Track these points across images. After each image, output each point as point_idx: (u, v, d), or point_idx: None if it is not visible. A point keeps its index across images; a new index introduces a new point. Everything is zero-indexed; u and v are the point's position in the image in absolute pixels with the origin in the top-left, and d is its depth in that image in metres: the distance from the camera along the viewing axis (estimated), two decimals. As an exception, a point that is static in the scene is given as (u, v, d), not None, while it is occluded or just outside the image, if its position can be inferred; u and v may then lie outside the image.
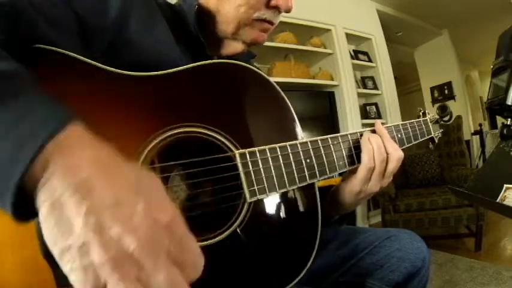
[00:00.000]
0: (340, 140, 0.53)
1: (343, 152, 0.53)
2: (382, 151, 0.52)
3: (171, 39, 0.51)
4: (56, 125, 0.23)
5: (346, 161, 0.53)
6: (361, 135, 0.55)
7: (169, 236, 0.23)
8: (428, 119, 0.70)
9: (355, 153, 0.54)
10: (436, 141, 0.71)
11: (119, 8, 0.44)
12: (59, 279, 0.31)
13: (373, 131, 0.56)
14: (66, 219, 0.21)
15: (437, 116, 0.71)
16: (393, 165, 0.53)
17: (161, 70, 0.42)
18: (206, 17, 0.55)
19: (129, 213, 0.22)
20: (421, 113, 0.70)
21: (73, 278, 0.21)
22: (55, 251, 0.21)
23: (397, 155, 0.53)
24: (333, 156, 0.51)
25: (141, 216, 0.22)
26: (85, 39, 0.41)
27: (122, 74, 0.38)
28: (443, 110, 0.71)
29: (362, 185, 0.54)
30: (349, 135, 0.54)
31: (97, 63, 0.37)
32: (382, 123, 0.58)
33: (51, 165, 0.22)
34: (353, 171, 0.55)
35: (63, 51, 0.34)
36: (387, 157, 0.53)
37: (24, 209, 0.23)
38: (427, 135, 0.68)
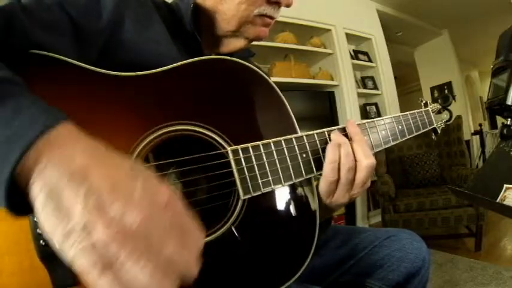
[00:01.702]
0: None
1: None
2: (349, 159, 0.45)
3: (168, 39, 0.50)
4: (46, 123, 0.23)
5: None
6: (329, 135, 0.48)
7: (170, 213, 0.23)
8: (430, 109, 0.67)
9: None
10: (439, 131, 0.68)
11: (113, 9, 0.44)
12: (56, 282, 0.31)
13: (343, 130, 0.50)
14: (64, 205, 0.21)
15: (439, 106, 0.68)
16: (362, 174, 0.46)
17: (156, 68, 0.41)
18: (203, 16, 0.54)
19: (128, 192, 0.22)
20: (422, 104, 0.67)
21: (79, 262, 0.20)
22: (56, 238, 0.21)
23: (366, 163, 0.46)
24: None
25: (141, 195, 0.22)
26: (80, 42, 0.41)
27: (112, 75, 0.38)
28: (445, 100, 0.68)
29: (326, 198, 0.48)
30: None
31: (89, 66, 0.37)
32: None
33: (44, 158, 0.22)
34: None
35: (56, 55, 0.34)
36: (355, 165, 0.46)
37: (20, 203, 0.23)
38: (429, 126, 0.66)
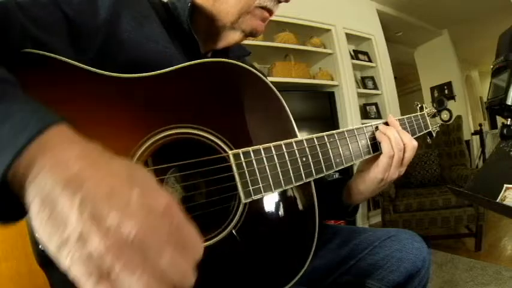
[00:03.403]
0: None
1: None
2: (399, 141, 0.56)
3: (166, 38, 0.50)
4: (38, 126, 0.22)
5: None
6: (377, 128, 0.59)
7: (167, 222, 0.22)
8: (426, 113, 0.69)
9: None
10: (434, 135, 0.70)
11: (110, 8, 0.44)
12: (54, 286, 0.30)
13: (386, 124, 0.59)
14: (59, 213, 0.20)
15: (434, 110, 0.70)
16: (409, 153, 0.57)
17: (155, 68, 0.41)
18: (200, 13, 0.54)
19: (124, 201, 0.21)
20: (418, 108, 0.69)
21: (75, 271, 0.20)
22: (51, 247, 0.21)
23: (411, 144, 0.57)
24: (330, 154, 0.51)
25: (138, 203, 0.21)
26: (77, 41, 0.40)
27: (112, 77, 0.38)
28: (440, 104, 0.70)
29: (384, 173, 0.57)
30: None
31: (88, 67, 0.36)
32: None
33: (37, 163, 0.21)
34: (372, 162, 0.58)
35: (52, 55, 0.34)
36: (404, 146, 0.56)
37: (11, 210, 0.22)
38: (425, 130, 0.68)
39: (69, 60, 0.35)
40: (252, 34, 0.56)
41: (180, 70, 0.43)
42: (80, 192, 0.21)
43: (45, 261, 0.30)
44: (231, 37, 0.57)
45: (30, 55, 0.33)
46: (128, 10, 0.46)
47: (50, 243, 0.21)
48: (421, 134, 0.67)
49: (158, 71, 0.41)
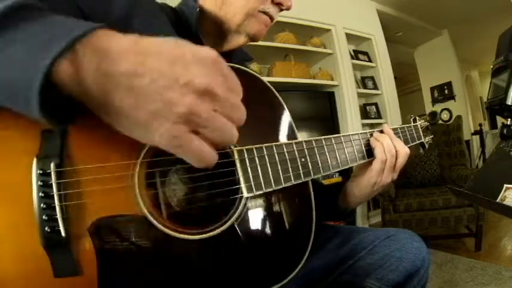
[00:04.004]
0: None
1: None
2: (391, 148, 0.59)
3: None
4: (86, 28, 0.25)
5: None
6: (371, 135, 0.61)
7: (219, 69, 0.27)
8: (419, 125, 0.73)
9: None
10: (427, 146, 0.74)
11: (123, 8, 0.45)
12: (57, 269, 0.31)
13: (381, 131, 0.63)
14: (141, 91, 0.25)
15: (427, 123, 0.74)
16: (401, 159, 0.60)
17: None
18: (208, 18, 0.56)
19: (184, 61, 0.26)
20: (411, 120, 0.73)
21: (170, 135, 0.25)
22: (137, 129, 0.26)
23: (404, 151, 0.60)
24: (326, 156, 0.53)
25: (194, 60, 0.26)
26: None
27: None
28: (433, 117, 0.74)
29: (377, 177, 0.59)
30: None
31: None
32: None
33: (95, 47, 0.25)
34: (366, 167, 0.61)
35: None
36: (396, 153, 0.59)
37: (54, 109, 0.25)
38: (418, 140, 0.72)
39: None
40: (254, 38, 0.58)
41: None
42: (149, 72, 0.25)
43: (50, 243, 0.30)
44: (236, 40, 0.59)
45: None
46: (141, 11, 0.47)
47: (133, 129, 0.26)
48: (414, 144, 0.71)
49: None
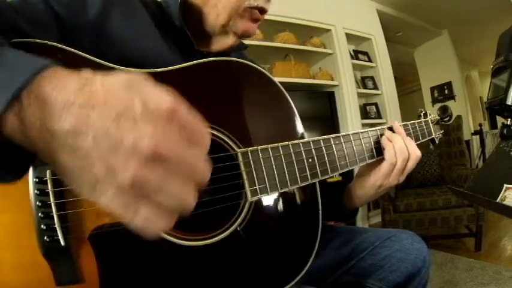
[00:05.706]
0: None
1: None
2: (404, 150, 0.56)
3: (155, 34, 0.50)
4: (30, 71, 0.22)
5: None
6: (382, 134, 0.58)
7: (175, 125, 0.22)
8: (430, 120, 0.70)
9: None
10: (437, 141, 0.71)
11: (99, 5, 0.45)
12: (58, 278, 0.31)
13: (391, 129, 0.60)
14: (79, 156, 0.21)
15: (438, 117, 0.71)
16: (412, 163, 0.57)
17: (145, 65, 0.41)
18: (192, 12, 0.54)
19: (131, 119, 0.21)
20: (422, 114, 0.70)
21: (114, 204, 0.21)
22: (85, 191, 0.22)
23: (415, 154, 0.57)
24: (335, 156, 0.51)
25: (143, 115, 0.21)
26: (67, 38, 0.41)
27: (115, 68, 0.38)
28: (444, 111, 0.71)
29: (384, 179, 0.57)
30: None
31: (91, 56, 0.37)
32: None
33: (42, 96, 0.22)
34: (373, 167, 0.58)
35: (54, 43, 0.34)
36: (408, 156, 0.56)
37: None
38: (428, 136, 0.68)
39: (72, 49, 0.35)
40: (244, 36, 0.56)
41: (187, 68, 0.43)
42: (92, 130, 0.21)
43: (50, 252, 0.30)
44: (224, 41, 0.56)
45: (16, 45, 0.32)
46: (118, 7, 0.47)
47: (82, 188, 0.22)
48: (425, 140, 0.67)
49: (165, 68, 0.41)
